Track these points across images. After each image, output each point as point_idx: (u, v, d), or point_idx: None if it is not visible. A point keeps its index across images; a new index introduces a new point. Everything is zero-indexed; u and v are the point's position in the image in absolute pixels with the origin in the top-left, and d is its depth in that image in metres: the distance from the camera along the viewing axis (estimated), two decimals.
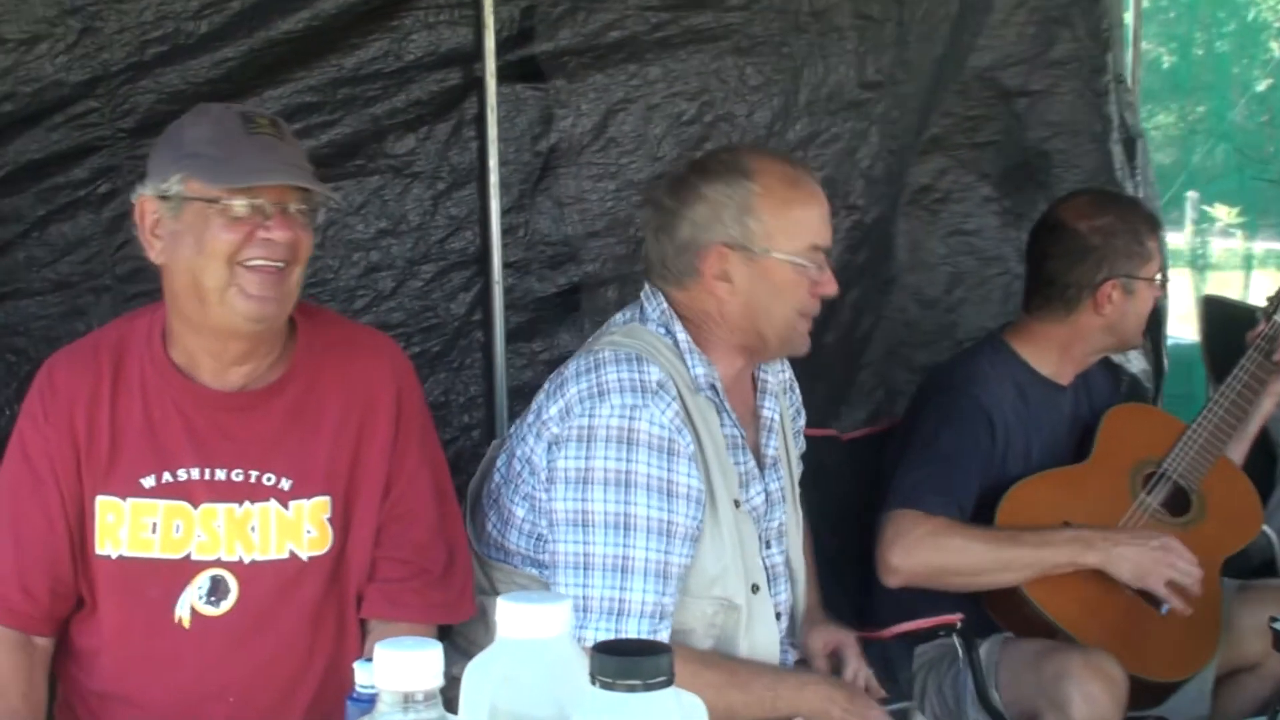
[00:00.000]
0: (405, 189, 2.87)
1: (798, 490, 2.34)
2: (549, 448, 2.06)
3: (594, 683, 1.00)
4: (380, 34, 2.82)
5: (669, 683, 1.01)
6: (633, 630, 1.99)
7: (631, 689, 0.99)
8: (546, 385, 2.13)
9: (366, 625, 2.03)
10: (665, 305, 2.16)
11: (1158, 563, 2.54)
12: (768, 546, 2.21)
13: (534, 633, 1.07)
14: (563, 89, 3.05)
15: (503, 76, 2.94)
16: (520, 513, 2.12)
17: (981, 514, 2.63)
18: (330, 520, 1.97)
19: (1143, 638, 2.60)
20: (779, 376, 2.34)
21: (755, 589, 2.14)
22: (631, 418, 2.00)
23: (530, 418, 2.13)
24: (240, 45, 2.68)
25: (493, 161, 2.90)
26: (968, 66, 3.66)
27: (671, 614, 2.04)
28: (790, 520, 2.28)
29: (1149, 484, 2.75)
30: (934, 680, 2.62)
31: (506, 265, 2.97)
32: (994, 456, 2.66)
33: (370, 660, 1.12)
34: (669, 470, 2.01)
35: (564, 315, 3.10)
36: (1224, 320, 3.73)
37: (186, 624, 1.93)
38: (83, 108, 2.57)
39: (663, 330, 2.15)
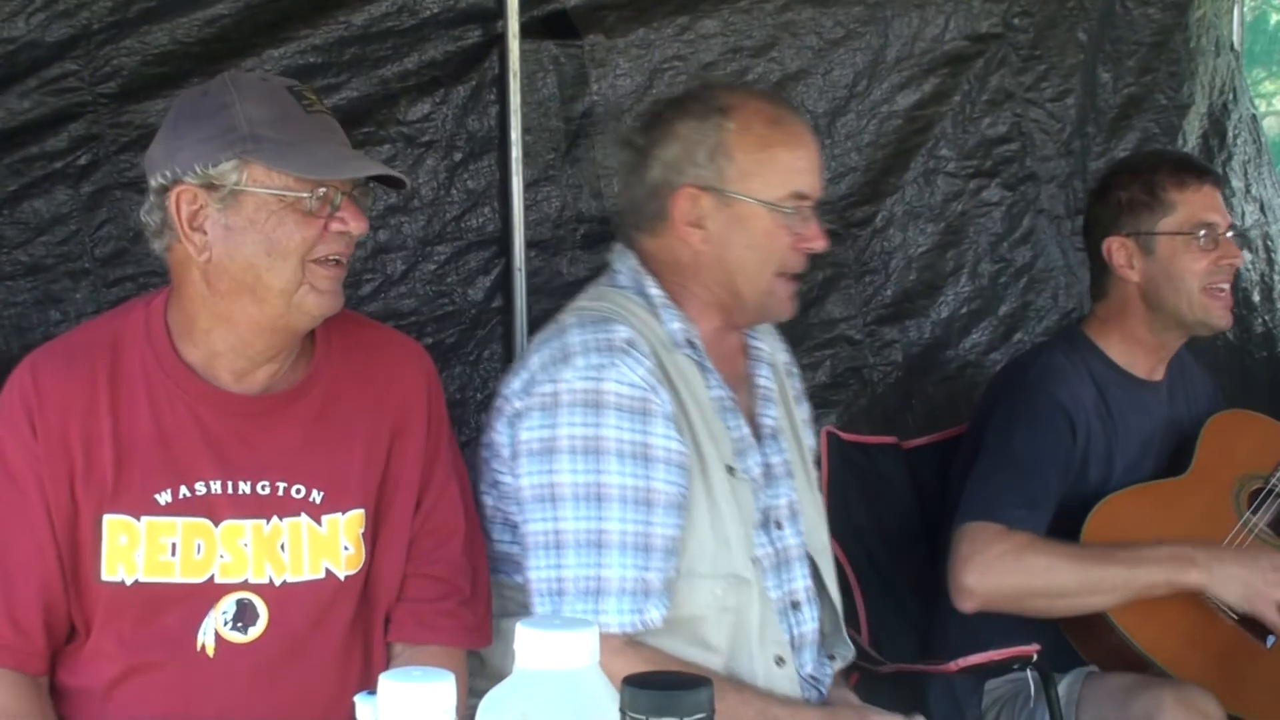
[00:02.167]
0: (418, 160, 2.94)
1: (814, 476, 2.41)
2: (511, 423, 2.14)
3: (625, 719, 1.04)
4: None
5: (709, 719, 1.05)
6: (613, 610, 2.06)
7: None
8: (513, 365, 2.23)
9: (391, 650, 2.08)
10: (635, 263, 2.26)
11: (1269, 585, 2.56)
12: (777, 526, 2.25)
13: (556, 663, 1.08)
14: (599, 46, 3.11)
15: (528, 33, 2.99)
16: (490, 503, 2.20)
17: (1061, 527, 2.66)
18: (364, 535, 2.02)
19: (1246, 674, 2.63)
20: (779, 355, 2.42)
21: (753, 562, 2.20)
22: (599, 379, 2.08)
23: (496, 400, 2.21)
24: (236, 0, 2.74)
25: (514, 134, 2.95)
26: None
27: (660, 590, 2.09)
28: (808, 504, 2.33)
29: (1255, 501, 2.77)
30: (1006, 719, 2.65)
31: (531, 245, 3.04)
32: (1074, 460, 2.70)
33: (373, 693, 1.14)
34: (643, 433, 2.09)
35: None
36: None
37: (211, 652, 1.95)
38: (60, 70, 2.63)
39: (633, 289, 2.24)
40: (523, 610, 2.13)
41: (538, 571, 2.10)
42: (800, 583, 2.26)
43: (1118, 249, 2.79)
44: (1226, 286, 2.79)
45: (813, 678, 2.26)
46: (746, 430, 2.24)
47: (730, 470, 2.19)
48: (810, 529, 2.32)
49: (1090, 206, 2.92)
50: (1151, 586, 2.58)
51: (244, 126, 1.89)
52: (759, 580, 2.18)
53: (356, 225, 1.93)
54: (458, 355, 3.01)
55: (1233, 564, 2.59)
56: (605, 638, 1.91)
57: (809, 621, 2.26)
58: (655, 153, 2.24)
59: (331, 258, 1.94)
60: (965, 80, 3.59)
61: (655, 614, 2.08)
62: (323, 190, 1.90)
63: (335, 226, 1.92)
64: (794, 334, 3.37)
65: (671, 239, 2.23)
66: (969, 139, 3.61)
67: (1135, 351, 2.83)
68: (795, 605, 2.25)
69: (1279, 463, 2.80)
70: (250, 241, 1.89)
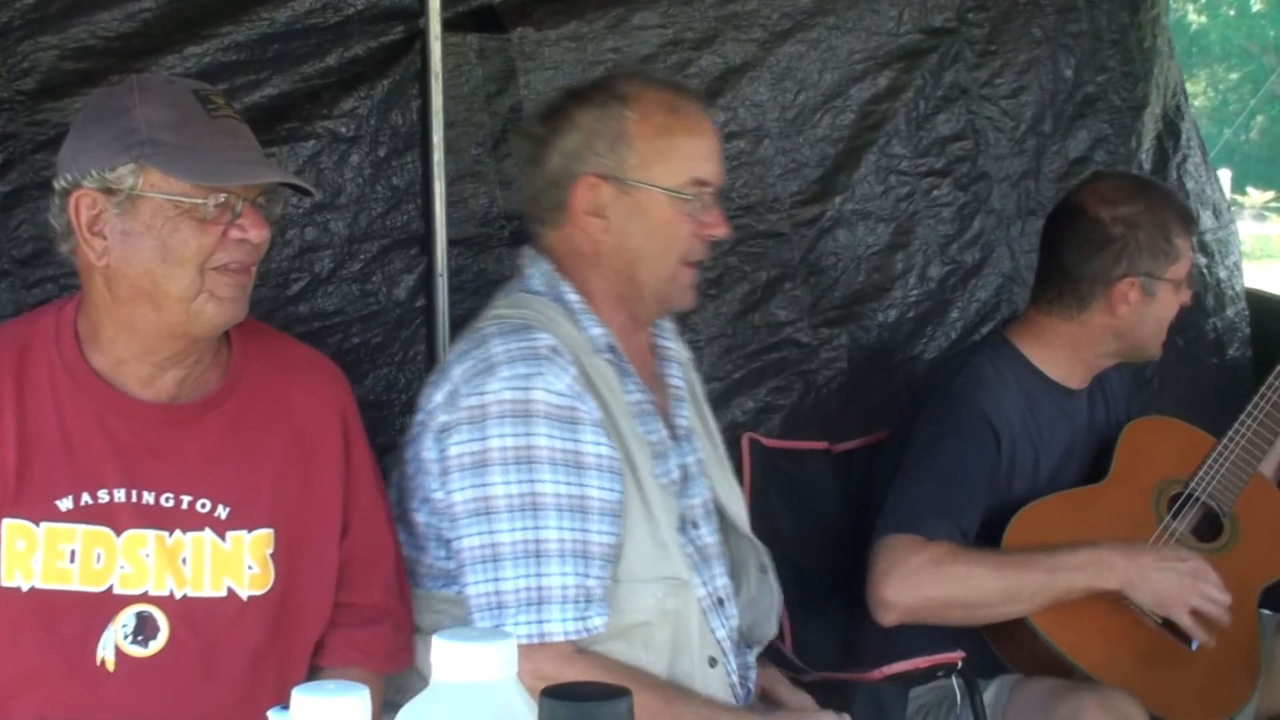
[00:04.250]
0: (343, 156, 3.14)
1: (729, 465, 2.64)
2: (438, 438, 2.31)
3: None
4: None
5: None
6: (556, 618, 2.23)
7: None
8: (430, 376, 2.41)
9: (315, 670, 2.24)
10: (549, 267, 2.45)
11: (1185, 590, 2.85)
12: (694, 526, 2.47)
13: (474, 675, 1.17)
14: (528, 39, 3.31)
15: (454, 26, 3.19)
16: (422, 519, 2.38)
17: (985, 539, 2.91)
18: (273, 556, 2.18)
19: (1170, 676, 2.91)
20: (684, 352, 2.65)
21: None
22: (526, 389, 2.26)
23: (418, 415, 2.39)
24: None
25: (436, 137, 3.13)
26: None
27: (602, 598, 2.28)
28: (730, 496, 2.56)
29: (1175, 506, 3.05)
30: None
31: (457, 243, 3.23)
32: (999, 471, 2.95)
33: (287, 709, 1.24)
34: (575, 441, 2.28)
35: None
36: (1270, 316, 4.12)
37: (111, 666, 2.08)
38: None
39: (549, 295, 2.42)
40: (458, 623, 2.29)
41: (475, 587, 2.27)
42: (721, 580, 2.48)
43: (1130, 288, 3.01)
44: None
45: (740, 679, 2.48)
46: (664, 433, 2.46)
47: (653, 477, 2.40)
48: (736, 518, 2.55)
49: (1083, 244, 3.06)
50: (1071, 592, 2.84)
51: (143, 130, 2.03)
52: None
53: (257, 233, 2.07)
54: (384, 355, 3.19)
55: (1151, 569, 2.86)
56: (552, 647, 2.19)
57: (734, 618, 2.48)
58: (555, 142, 2.44)
59: (232, 265, 2.08)
60: (919, 76, 3.82)
61: (598, 620, 2.26)
62: (222, 197, 2.04)
63: (234, 234, 2.06)
64: (736, 336, 3.57)
65: (572, 229, 2.44)
66: (922, 137, 3.84)
67: (1074, 366, 3.09)
68: (720, 602, 2.46)
69: (1198, 467, 3.07)
70: (147, 248, 2.04)
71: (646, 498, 2.36)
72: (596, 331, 2.40)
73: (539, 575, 2.25)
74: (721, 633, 2.47)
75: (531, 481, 2.27)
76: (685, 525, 2.46)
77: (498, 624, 2.24)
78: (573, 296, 2.42)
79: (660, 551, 2.36)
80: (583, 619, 2.26)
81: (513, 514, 2.26)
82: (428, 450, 2.35)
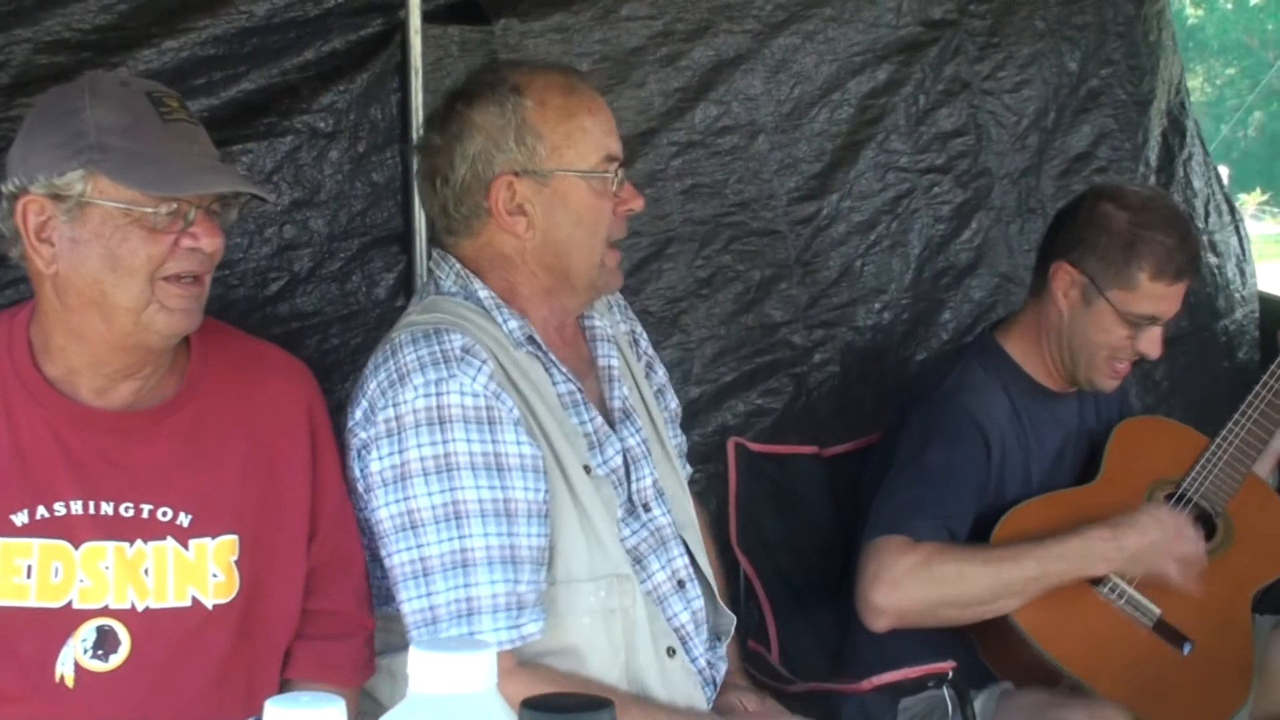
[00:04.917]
0: (322, 151, 3.17)
1: (671, 447, 2.64)
2: (359, 455, 2.32)
3: None
4: None
5: None
6: (488, 629, 2.22)
7: None
8: (351, 392, 2.42)
9: (286, 685, 2.25)
10: (458, 267, 2.45)
11: (1176, 539, 2.95)
12: (645, 510, 2.47)
13: (452, 687, 1.20)
14: (512, 31, 3.34)
15: (434, 18, 3.22)
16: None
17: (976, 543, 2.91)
18: (238, 563, 2.18)
19: (1162, 682, 2.94)
20: (616, 327, 2.64)
21: (630, 553, 2.40)
22: (438, 394, 2.26)
23: (343, 435, 2.39)
24: None
25: (416, 134, 3.08)
26: None
27: (534, 604, 2.26)
28: (669, 478, 2.56)
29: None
30: None
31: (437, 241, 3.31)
32: (989, 475, 2.97)
33: None
34: (492, 442, 2.27)
35: None
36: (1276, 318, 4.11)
37: (70, 683, 2.08)
38: None
39: (462, 294, 2.43)
40: (400, 640, 2.29)
41: (409, 604, 2.26)
42: (680, 560, 2.49)
43: (1064, 276, 3.03)
44: (1127, 364, 3.07)
45: (708, 666, 2.49)
46: (600, 420, 2.45)
47: (586, 469, 2.38)
48: (673, 502, 2.54)
49: (1069, 219, 3.11)
50: (1062, 580, 2.88)
51: (92, 134, 2.02)
52: (638, 574, 2.40)
53: (210, 242, 2.06)
54: (364, 357, 2.95)
55: (1135, 545, 2.92)
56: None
57: (697, 598, 2.49)
58: (457, 149, 2.42)
59: (185, 276, 2.07)
60: (919, 69, 3.85)
61: (532, 627, 2.25)
62: (174, 205, 2.03)
63: (186, 243, 2.05)
64: (730, 338, 3.60)
65: (494, 234, 2.44)
66: (922, 132, 3.86)
67: (1049, 366, 3.11)
68: (681, 584, 2.48)
69: (1190, 467, 3.10)
70: (95, 256, 2.03)
71: (576, 494, 2.36)
72: (513, 325, 2.40)
73: (467, 586, 2.25)
74: (684, 616, 2.48)
75: (452, 489, 2.26)
76: (636, 509, 2.46)
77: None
78: (485, 293, 2.42)
79: (597, 548, 2.36)
80: (516, 627, 2.25)
81: (438, 525, 2.26)
82: (351, 470, 2.37)
